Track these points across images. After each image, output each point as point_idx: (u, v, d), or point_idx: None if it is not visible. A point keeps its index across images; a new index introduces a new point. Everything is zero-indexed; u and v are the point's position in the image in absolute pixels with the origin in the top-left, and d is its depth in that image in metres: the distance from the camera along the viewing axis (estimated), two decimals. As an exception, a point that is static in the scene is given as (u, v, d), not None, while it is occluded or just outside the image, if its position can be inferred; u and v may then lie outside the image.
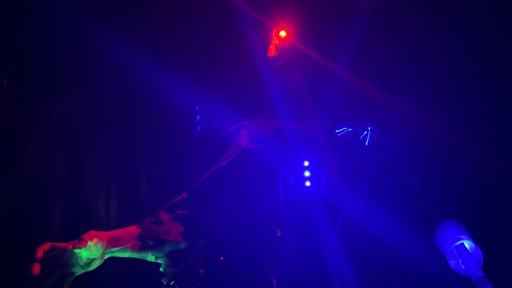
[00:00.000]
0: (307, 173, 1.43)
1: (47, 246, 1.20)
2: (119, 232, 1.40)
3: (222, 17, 2.07)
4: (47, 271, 1.18)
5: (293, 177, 1.45)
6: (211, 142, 2.13)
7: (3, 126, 2.00)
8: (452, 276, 1.17)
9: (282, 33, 1.52)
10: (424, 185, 1.40)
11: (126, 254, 1.39)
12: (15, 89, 2.04)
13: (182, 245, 1.46)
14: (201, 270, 1.50)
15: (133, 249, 1.39)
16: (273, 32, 1.56)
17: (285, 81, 1.53)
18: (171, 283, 1.45)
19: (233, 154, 1.57)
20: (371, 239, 1.38)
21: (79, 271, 1.27)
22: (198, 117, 2.26)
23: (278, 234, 1.46)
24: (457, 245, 1.14)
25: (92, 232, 1.30)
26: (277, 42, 1.54)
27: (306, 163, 1.44)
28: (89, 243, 1.25)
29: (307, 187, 1.42)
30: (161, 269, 1.45)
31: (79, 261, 1.26)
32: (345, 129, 1.49)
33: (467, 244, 1.14)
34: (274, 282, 1.45)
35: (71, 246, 1.23)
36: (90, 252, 1.27)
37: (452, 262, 1.16)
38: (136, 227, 1.44)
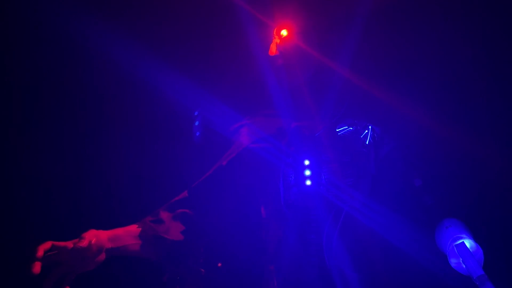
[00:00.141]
0: (307, 172, 1.43)
1: (47, 245, 1.21)
2: (119, 231, 1.40)
3: (224, 16, 2.07)
4: (47, 270, 1.18)
5: (293, 176, 1.45)
6: (212, 141, 2.12)
7: (4, 125, 2.00)
8: (452, 274, 1.17)
9: (284, 32, 1.52)
10: (425, 184, 1.40)
11: (127, 253, 1.39)
12: (16, 89, 2.04)
13: (183, 244, 1.46)
14: (202, 269, 1.50)
15: (133, 248, 1.39)
16: (274, 31, 1.56)
17: (286, 80, 1.53)
18: (172, 282, 1.45)
19: (233, 153, 1.57)
20: (372, 237, 1.38)
21: (80, 270, 1.27)
22: (196, 123, 2.27)
23: (279, 233, 1.46)
24: (458, 244, 1.14)
25: (93, 231, 1.30)
26: (278, 41, 1.54)
27: (306, 162, 1.44)
28: (90, 242, 1.25)
29: (308, 186, 1.42)
30: (161, 268, 1.45)
31: (80, 260, 1.26)
32: (346, 128, 1.49)
33: (467, 243, 1.14)
34: (275, 281, 1.45)
35: (71, 245, 1.23)
36: (91, 251, 1.27)
37: (452, 261, 1.16)
38: (137, 226, 1.44)
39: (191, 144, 2.26)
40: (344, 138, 1.48)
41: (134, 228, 1.43)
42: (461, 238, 1.16)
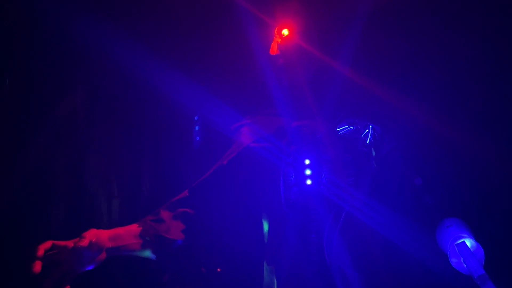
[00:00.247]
0: (308, 171, 1.43)
1: (48, 244, 1.21)
2: (120, 230, 1.40)
3: (225, 16, 2.07)
4: (48, 270, 1.19)
5: (294, 175, 1.45)
6: (212, 140, 2.13)
7: (5, 125, 2.00)
8: (453, 274, 1.17)
9: (285, 32, 1.52)
10: (426, 183, 1.40)
11: (127, 252, 1.39)
12: (17, 89, 2.04)
13: (183, 243, 1.46)
14: (202, 269, 1.50)
15: (134, 247, 1.39)
16: (275, 30, 1.56)
17: (286, 79, 1.53)
18: (172, 282, 1.45)
19: (234, 152, 1.57)
20: (372, 237, 1.38)
21: (80, 269, 1.27)
22: (197, 128, 2.27)
23: (279, 232, 1.46)
24: (459, 243, 1.14)
25: (93, 230, 1.30)
26: (279, 40, 1.54)
27: (307, 161, 1.44)
28: (90, 241, 1.25)
29: (308, 185, 1.42)
30: (162, 268, 1.45)
31: (80, 259, 1.26)
32: (347, 127, 1.49)
33: (468, 242, 1.14)
34: (275, 280, 1.45)
35: (72, 244, 1.23)
36: (91, 250, 1.27)
37: (453, 260, 1.15)
38: (137, 225, 1.44)
39: (193, 143, 2.26)
40: (344, 137, 1.48)
41: (134, 228, 1.43)
42: (462, 237, 1.15)
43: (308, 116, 1.53)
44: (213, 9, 2.17)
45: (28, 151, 2.03)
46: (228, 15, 1.92)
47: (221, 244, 1.55)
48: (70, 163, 2.10)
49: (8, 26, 1.99)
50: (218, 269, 1.52)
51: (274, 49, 1.55)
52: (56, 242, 1.22)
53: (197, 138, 2.26)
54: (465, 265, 1.11)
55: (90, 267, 1.29)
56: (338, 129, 1.49)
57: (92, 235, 1.28)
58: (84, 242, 1.23)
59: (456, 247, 1.14)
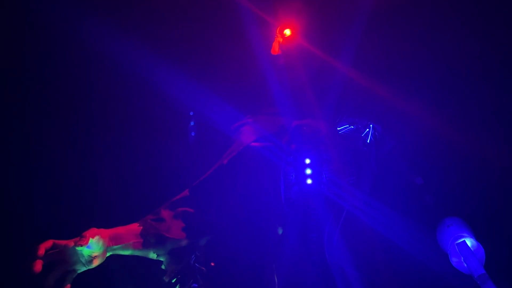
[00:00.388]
0: (308, 171, 1.43)
1: (49, 243, 1.21)
2: (120, 229, 1.40)
3: (226, 15, 2.07)
4: (48, 269, 1.19)
5: (294, 175, 1.45)
6: (213, 139, 2.13)
7: (6, 124, 2.00)
8: (454, 273, 1.17)
9: (287, 32, 1.52)
10: (426, 182, 1.40)
11: (128, 252, 1.40)
12: (17, 88, 2.05)
13: (184, 243, 1.46)
14: (203, 268, 1.50)
15: (134, 246, 1.40)
16: (277, 30, 1.56)
17: (287, 78, 1.53)
18: (173, 281, 1.45)
19: (234, 152, 1.57)
20: (373, 236, 1.38)
21: (80, 268, 1.27)
22: (192, 123, 2.28)
23: (280, 231, 1.46)
24: (459, 242, 1.14)
25: (94, 230, 1.30)
26: (280, 40, 1.54)
27: (307, 161, 1.44)
28: (91, 240, 1.26)
29: (309, 184, 1.42)
30: (162, 267, 1.45)
31: (80, 259, 1.26)
32: (347, 127, 1.49)
33: (469, 242, 1.14)
34: (276, 280, 1.45)
35: (72, 244, 1.24)
36: (92, 250, 1.27)
37: (454, 260, 1.15)
38: (138, 224, 1.44)
39: (193, 143, 2.26)
40: (345, 136, 1.48)
41: (135, 227, 1.43)
42: (463, 236, 1.15)
43: (308, 116, 1.52)
44: (215, 9, 2.17)
45: (28, 150, 2.03)
46: (230, 14, 1.92)
47: (222, 243, 1.55)
48: (71, 162, 2.10)
49: (9, 26, 2.00)
50: (212, 263, 1.51)
51: (275, 49, 1.55)
52: (56, 241, 1.23)
53: (192, 134, 2.26)
54: (465, 265, 1.11)
55: (90, 266, 1.29)
56: (338, 129, 1.49)
57: (92, 234, 1.28)
58: (85, 241, 1.23)
59: (456, 247, 1.14)
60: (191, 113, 2.29)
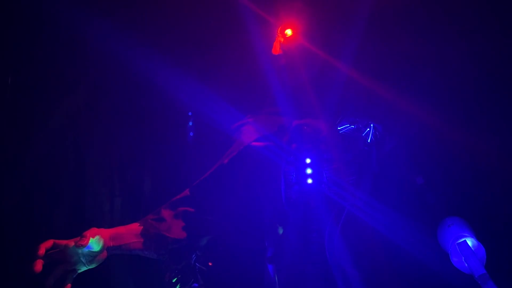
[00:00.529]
0: (309, 170, 1.42)
1: (49, 243, 1.21)
2: (121, 229, 1.40)
3: (227, 14, 2.07)
4: (49, 268, 1.19)
5: (295, 174, 1.45)
6: (213, 139, 2.13)
7: (8, 123, 2.00)
8: (454, 273, 1.17)
9: (288, 31, 1.52)
10: (427, 182, 1.40)
11: (128, 252, 1.40)
12: (19, 87, 2.05)
13: (184, 242, 1.46)
14: (204, 267, 1.50)
15: (135, 246, 1.40)
16: (278, 29, 1.56)
17: (288, 78, 1.53)
18: (173, 280, 1.45)
19: (235, 151, 1.57)
20: (373, 236, 1.38)
21: (81, 268, 1.27)
22: (190, 123, 2.28)
23: (280, 231, 1.46)
24: (460, 242, 1.14)
25: (94, 229, 1.30)
26: (281, 39, 1.54)
27: (308, 160, 1.44)
28: (91, 240, 1.26)
29: (309, 184, 1.41)
30: (163, 266, 1.45)
31: (81, 258, 1.26)
32: (348, 126, 1.48)
33: (470, 241, 1.13)
34: (276, 279, 1.45)
35: (73, 243, 1.24)
36: (92, 249, 1.27)
37: (454, 260, 1.15)
38: (138, 224, 1.44)
39: (194, 142, 2.26)
40: (345, 136, 1.47)
41: (135, 227, 1.43)
42: (463, 236, 1.15)
43: (309, 115, 1.52)
44: (216, 8, 2.17)
45: (30, 150, 2.03)
46: (231, 14, 1.92)
47: (222, 243, 1.55)
48: (72, 161, 2.10)
49: (10, 26, 2.00)
50: (210, 263, 1.52)
51: (276, 49, 1.54)
52: (57, 241, 1.23)
53: (191, 134, 2.26)
54: (466, 264, 1.11)
55: (91, 266, 1.30)
56: (339, 128, 1.49)
57: (93, 234, 1.28)
58: (85, 241, 1.24)
59: (457, 246, 1.14)
60: (190, 113, 2.29)
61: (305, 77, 1.52)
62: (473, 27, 1.69)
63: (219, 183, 1.54)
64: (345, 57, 1.50)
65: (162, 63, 2.07)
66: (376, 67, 1.60)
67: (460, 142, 1.54)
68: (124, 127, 2.21)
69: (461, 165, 1.57)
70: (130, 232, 1.41)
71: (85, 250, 1.26)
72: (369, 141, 1.45)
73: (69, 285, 1.23)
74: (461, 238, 1.15)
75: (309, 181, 1.42)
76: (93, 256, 1.29)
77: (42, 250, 1.17)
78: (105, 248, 1.32)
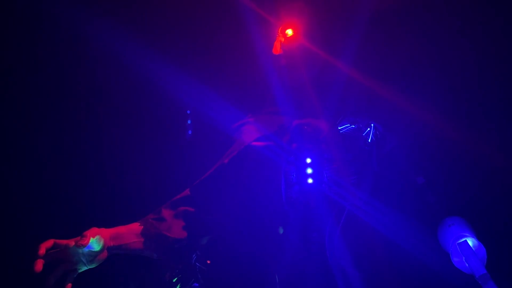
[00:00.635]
0: (309, 170, 1.42)
1: (49, 243, 1.21)
2: (121, 229, 1.40)
3: (228, 14, 2.07)
4: (49, 268, 1.19)
5: (295, 174, 1.45)
6: (214, 139, 2.13)
7: (8, 123, 2.00)
8: (455, 273, 1.17)
9: (289, 32, 1.52)
10: (428, 182, 1.40)
11: (129, 251, 1.39)
12: (19, 87, 2.05)
13: (185, 242, 1.46)
14: (204, 267, 1.50)
15: (135, 246, 1.40)
16: (279, 29, 1.56)
17: (289, 78, 1.53)
18: (174, 280, 1.45)
19: (235, 151, 1.57)
20: (374, 236, 1.38)
21: (81, 267, 1.27)
22: (189, 121, 2.28)
23: (281, 231, 1.46)
24: (461, 242, 1.14)
25: (95, 229, 1.30)
26: (282, 39, 1.54)
27: (308, 160, 1.44)
28: (92, 240, 1.26)
29: (310, 184, 1.41)
30: (163, 266, 1.45)
31: (81, 258, 1.26)
32: (348, 126, 1.48)
33: (470, 241, 1.13)
34: (277, 279, 1.45)
35: (73, 243, 1.24)
36: (93, 249, 1.27)
37: (455, 260, 1.15)
38: (139, 224, 1.44)
39: (194, 142, 2.26)
40: (346, 136, 1.47)
41: (136, 226, 1.43)
42: (464, 236, 1.15)
43: (310, 115, 1.52)
44: (217, 8, 2.17)
45: (30, 149, 2.03)
46: (232, 14, 1.92)
47: (222, 243, 1.55)
48: (72, 161, 2.10)
49: (11, 26, 2.00)
50: (208, 261, 1.52)
51: (277, 49, 1.54)
52: (57, 240, 1.23)
53: (189, 132, 2.26)
54: (467, 264, 1.11)
55: (91, 266, 1.29)
56: (340, 128, 1.49)
57: (93, 233, 1.28)
58: (85, 241, 1.23)
59: (458, 246, 1.14)
60: (188, 112, 2.29)
61: (305, 77, 1.52)
62: (474, 27, 1.69)
63: (219, 183, 1.54)
64: (345, 57, 1.50)
65: (163, 63, 2.07)
66: (377, 67, 1.60)
67: (461, 142, 1.54)
68: (125, 127, 2.21)
69: (462, 165, 1.57)
70: (131, 232, 1.41)
71: (86, 249, 1.25)
72: (369, 141, 1.45)
73: (70, 284, 1.23)
74: (461, 238, 1.15)
75: (310, 181, 1.42)
76: (93, 255, 1.29)
77: (42, 250, 1.17)
78: (106, 248, 1.31)
